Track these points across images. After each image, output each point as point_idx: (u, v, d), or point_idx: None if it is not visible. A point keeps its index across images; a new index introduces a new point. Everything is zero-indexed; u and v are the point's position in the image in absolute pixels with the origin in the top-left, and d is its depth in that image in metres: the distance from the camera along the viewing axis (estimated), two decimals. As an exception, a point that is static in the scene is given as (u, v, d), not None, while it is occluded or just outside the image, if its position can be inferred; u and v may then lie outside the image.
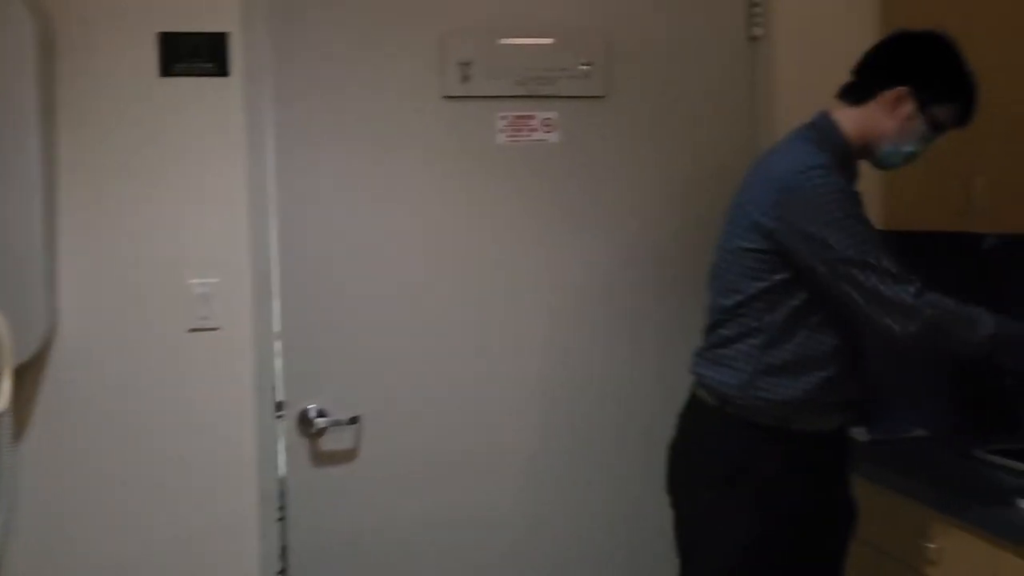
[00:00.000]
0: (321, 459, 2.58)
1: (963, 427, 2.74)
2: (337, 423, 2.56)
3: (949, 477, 2.36)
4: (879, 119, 2.08)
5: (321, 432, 2.57)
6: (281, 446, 2.55)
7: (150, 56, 2.44)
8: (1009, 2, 2.37)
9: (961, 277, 2.88)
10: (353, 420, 2.57)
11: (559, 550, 2.71)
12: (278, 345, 2.54)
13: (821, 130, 2.11)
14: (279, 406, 2.55)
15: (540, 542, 2.70)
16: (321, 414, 2.56)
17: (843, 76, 2.85)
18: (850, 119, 2.11)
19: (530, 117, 2.64)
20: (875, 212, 2.83)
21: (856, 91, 2.12)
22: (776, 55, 2.77)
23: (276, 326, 2.53)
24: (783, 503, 2.09)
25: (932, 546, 2.24)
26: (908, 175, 2.76)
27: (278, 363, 2.54)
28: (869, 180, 2.82)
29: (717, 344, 2.14)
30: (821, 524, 2.17)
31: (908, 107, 2.06)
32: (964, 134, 2.48)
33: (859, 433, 2.68)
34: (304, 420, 2.56)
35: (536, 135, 2.65)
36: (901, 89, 2.05)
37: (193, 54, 2.46)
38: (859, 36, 2.83)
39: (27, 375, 2.38)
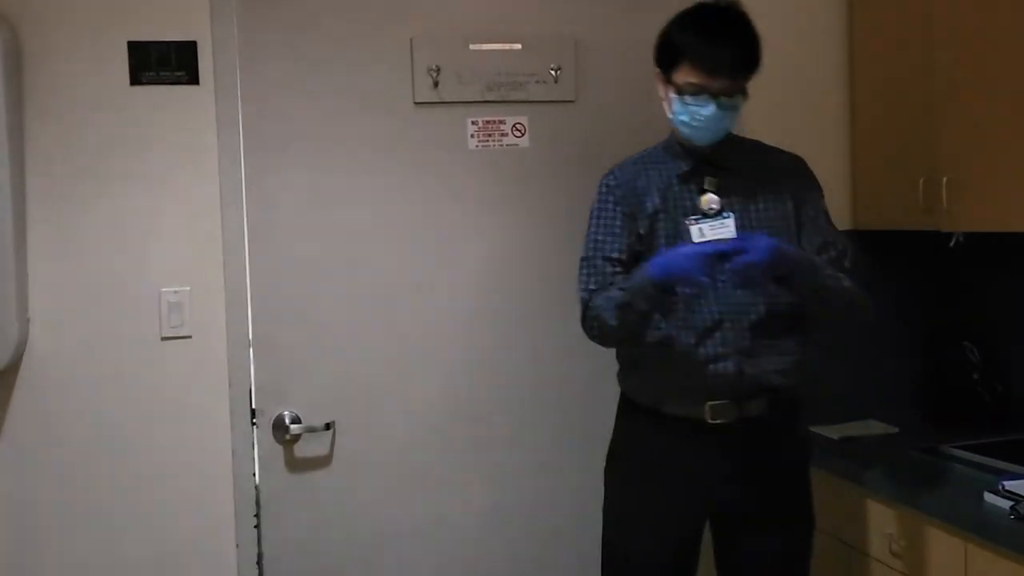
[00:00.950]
0: (296, 465, 2.59)
1: (930, 423, 2.78)
2: (312, 429, 2.57)
3: (917, 473, 2.39)
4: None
5: (296, 438, 2.57)
6: (256, 453, 2.55)
7: (120, 65, 2.44)
8: (972, 9, 2.40)
9: (928, 274, 2.93)
10: (328, 426, 2.57)
11: (537, 554, 2.72)
12: (251, 352, 2.54)
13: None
14: (253, 413, 2.55)
15: (517, 546, 2.71)
16: (296, 420, 2.57)
17: (807, 78, 2.90)
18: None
19: (500, 122, 2.66)
20: (843, 212, 2.87)
21: None
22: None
23: (249, 333, 2.53)
24: (657, 485, 2.15)
25: (901, 541, 2.27)
26: (875, 175, 2.81)
27: (252, 370, 2.54)
28: (838, 181, 2.88)
29: None
30: (729, 520, 2.18)
31: (660, 83, 2.13)
32: (929, 135, 2.53)
33: (830, 431, 2.72)
34: (279, 426, 2.56)
35: (507, 140, 2.67)
36: (655, 70, 2.15)
37: (163, 63, 2.46)
38: (824, 40, 2.88)
39: (-1, 386, 2.38)
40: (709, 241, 1.98)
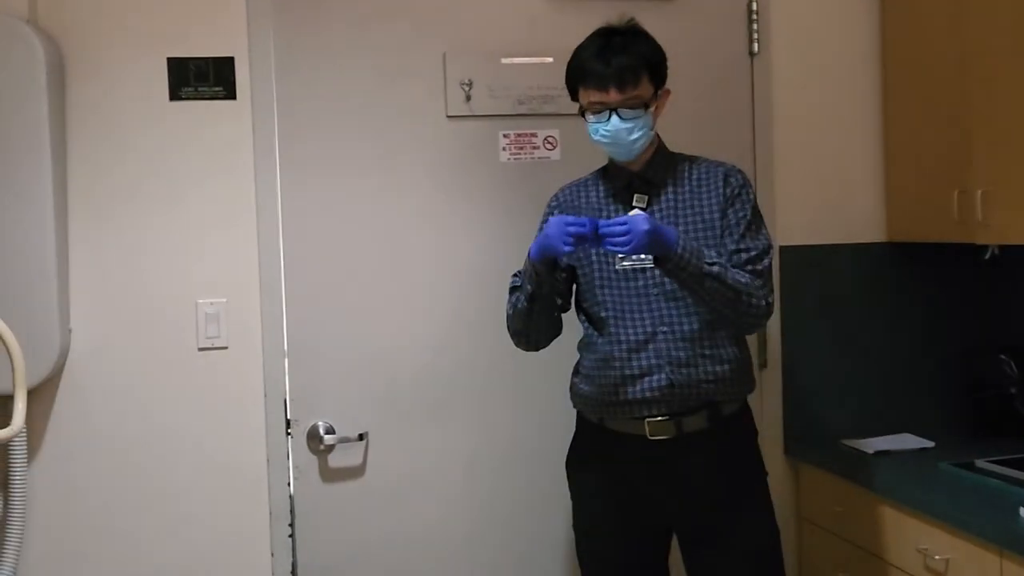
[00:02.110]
0: (330, 475, 2.61)
1: (966, 437, 2.75)
2: (346, 440, 2.59)
3: (952, 487, 2.37)
4: None
5: (330, 448, 2.59)
6: (290, 463, 2.58)
7: (159, 81, 2.49)
8: (1007, 20, 2.39)
9: (963, 287, 2.91)
10: (361, 436, 2.59)
11: (573, 564, 2.72)
12: (286, 362, 2.57)
13: None
14: (288, 423, 2.58)
15: (551, 557, 2.71)
16: (330, 431, 2.59)
17: (840, 91, 2.89)
18: None
19: (532, 135, 2.68)
20: (877, 224, 2.86)
21: None
22: (774, 70, 2.80)
23: (284, 344, 2.57)
24: (608, 501, 2.21)
25: (937, 557, 2.25)
26: (909, 188, 2.79)
27: (287, 380, 2.57)
28: (872, 193, 2.87)
29: None
30: (688, 536, 2.21)
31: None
32: (964, 147, 2.51)
33: (865, 445, 2.70)
34: (314, 436, 2.59)
35: (538, 153, 2.69)
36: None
37: (201, 78, 2.50)
38: (857, 51, 2.88)
39: (40, 396, 2.42)
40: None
